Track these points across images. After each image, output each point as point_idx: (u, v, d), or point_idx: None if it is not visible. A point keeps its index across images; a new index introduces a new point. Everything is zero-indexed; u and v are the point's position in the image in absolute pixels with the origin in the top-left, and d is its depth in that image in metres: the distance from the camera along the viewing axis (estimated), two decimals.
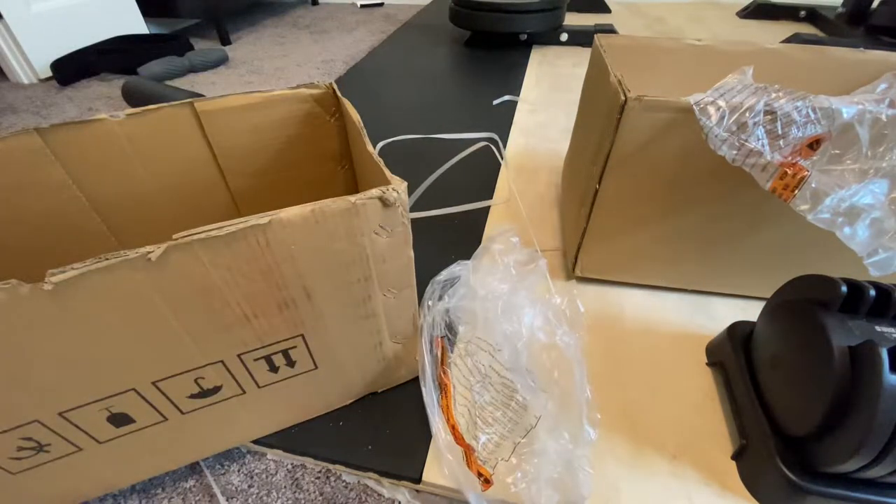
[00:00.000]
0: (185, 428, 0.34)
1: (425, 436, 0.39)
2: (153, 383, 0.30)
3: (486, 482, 0.35)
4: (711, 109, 0.35)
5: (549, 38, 1.28)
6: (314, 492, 0.38)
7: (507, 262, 0.47)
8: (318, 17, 1.73)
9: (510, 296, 0.42)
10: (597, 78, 0.48)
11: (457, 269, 0.47)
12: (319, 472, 0.40)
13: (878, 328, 0.31)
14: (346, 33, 1.53)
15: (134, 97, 1.01)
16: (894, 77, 0.44)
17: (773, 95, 0.35)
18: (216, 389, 0.33)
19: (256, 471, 0.40)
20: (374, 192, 0.28)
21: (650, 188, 0.43)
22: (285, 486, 0.38)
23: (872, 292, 0.31)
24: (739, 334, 0.42)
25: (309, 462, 0.40)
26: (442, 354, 0.42)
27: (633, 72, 0.43)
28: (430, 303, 0.44)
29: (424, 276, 0.43)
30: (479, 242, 0.59)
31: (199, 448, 0.38)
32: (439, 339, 0.43)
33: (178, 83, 1.16)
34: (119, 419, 0.31)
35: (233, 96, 0.40)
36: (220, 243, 0.25)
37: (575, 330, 0.40)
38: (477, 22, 1.22)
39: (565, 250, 0.57)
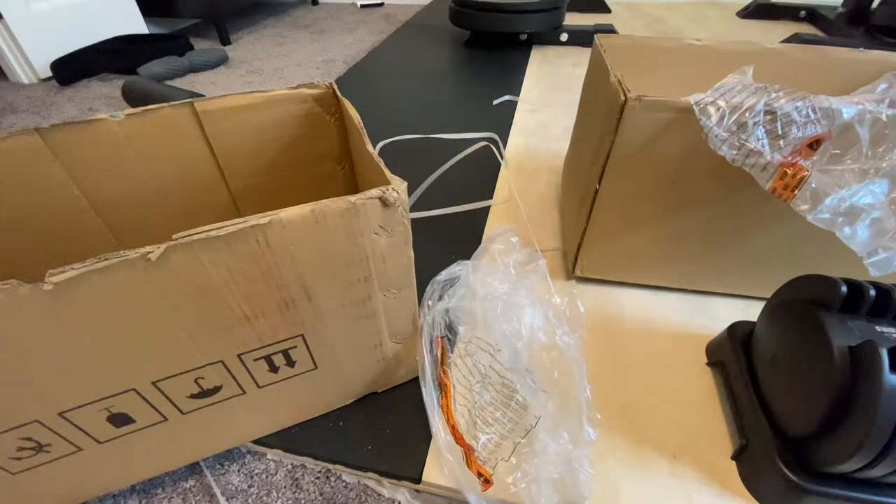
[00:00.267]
0: (185, 428, 0.34)
1: (425, 436, 0.39)
2: (153, 383, 0.30)
3: (486, 482, 0.35)
4: (711, 109, 0.35)
5: (549, 38, 1.28)
6: (314, 492, 0.38)
7: (507, 262, 0.47)
8: (318, 17, 1.73)
9: (510, 296, 0.42)
10: (597, 78, 0.48)
11: (457, 269, 0.47)
12: (319, 472, 0.40)
13: (878, 328, 0.31)
14: (346, 33, 1.53)
15: (134, 97, 1.01)
16: (894, 77, 0.44)
17: (773, 95, 0.35)
18: (216, 389, 0.33)
19: (256, 471, 0.40)
20: (374, 192, 0.28)
21: (650, 188, 0.43)
22: (285, 486, 0.38)
23: (872, 292, 0.31)
24: (739, 334, 0.42)
25: (309, 462, 0.40)
26: (442, 354, 0.42)
27: (633, 72, 0.43)
28: (430, 303, 0.44)
29: (424, 276, 0.43)
30: (479, 242, 0.59)
31: (199, 448, 0.38)
32: (439, 339, 0.42)
33: (178, 83, 1.16)
34: (119, 419, 0.31)
35: (233, 96, 0.40)
36: (220, 243, 0.25)
37: (575, 330, 0.40)
38: (477, 22, 1.22)
39: (565, 250, 0.57)
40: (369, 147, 0.33)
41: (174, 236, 0.24)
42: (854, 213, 0.32)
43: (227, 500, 0.37)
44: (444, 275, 0.46)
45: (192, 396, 0.32)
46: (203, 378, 0.31)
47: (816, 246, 0.42)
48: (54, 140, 0.35)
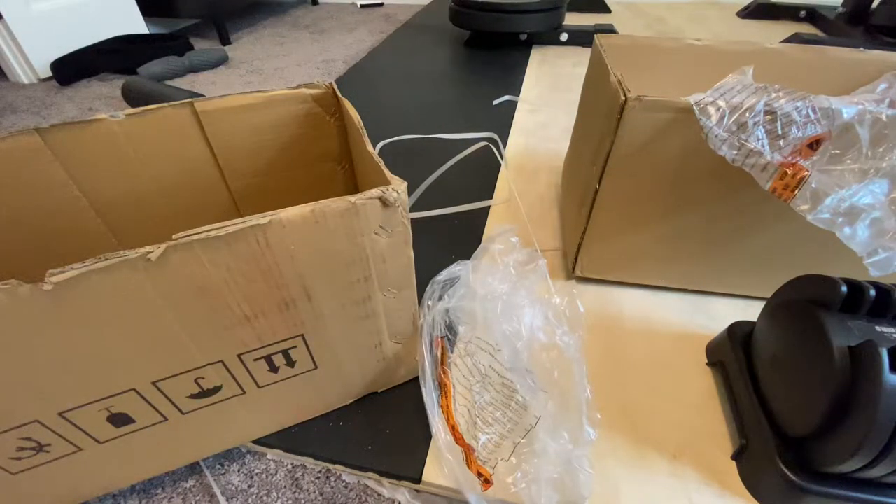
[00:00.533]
0: (185, 428, 0.34)
1: (425, 436, 0.39)
2: (153, 383, 0.30)
3: (486, 482, 0.35)
4: (711, 109, 0.35)
5: (549, 38, 1.27)
6: (314, 492, 0.38)
7: (507, 262, 0.47)
8: (318, 17, 1.73)
9: (510, 296, 0.42)
10: (597, 78, 0.48)
11: (457, 269, 0.47)
12: (319, 472, 0.40)
13: (878, 328, 0.31)
14: (346, 33, 1.53)
15: (134, 97, 1.01)
16: (894, 77, 0.44)
17: (773, 95, 0.35)
18: (216, 389, 0.33)
19: (256, 471, 0.40)
20: (374, 192, 0.28)
21: (650, 188, 0.43)
22: (285, 486, 0.38)
23: (872, 292, 0.31)
24: (739, 334, 0.42)
25: (309, 462, 0.40)
26: (442, 354, 0.42)
27: (633, 72, 0.43)
28: (430, 303, 0.44)
29: (424, 276, 0.43)
30: (479, 242, 0.59)
31: (199, 448, 0.38)
32: (439, 339, 0.42)
33: (178, 83, 1.16)
34: (119, 419, 0.31)
35: (233, 96, 0.40)
36: (220, 243, 0.25)
37: (575, 330, 0.40)
38: (477, 22, 1.22)
39: (565, 250, 0.57)
40: (369, 147, 0.33)
41: (174, 236, 0.24)
42: (854, 213, 0.32)
43: (227, 500, 0.37)
44: (444, 275, 0.46)
45: (192, 396, 0.32)
46: (203, 378, 0.31)
47: (816, 246, 0.42)
48: (54, 140, 0.35)
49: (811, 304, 0.33)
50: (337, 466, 0.39)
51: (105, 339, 0.26)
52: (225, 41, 1.44)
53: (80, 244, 0.40)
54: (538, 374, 0.38)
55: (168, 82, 1.13)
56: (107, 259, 0.23)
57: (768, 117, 0.34)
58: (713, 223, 0.44)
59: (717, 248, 0.46)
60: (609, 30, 1.26)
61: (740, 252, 0.46)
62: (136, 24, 1.37)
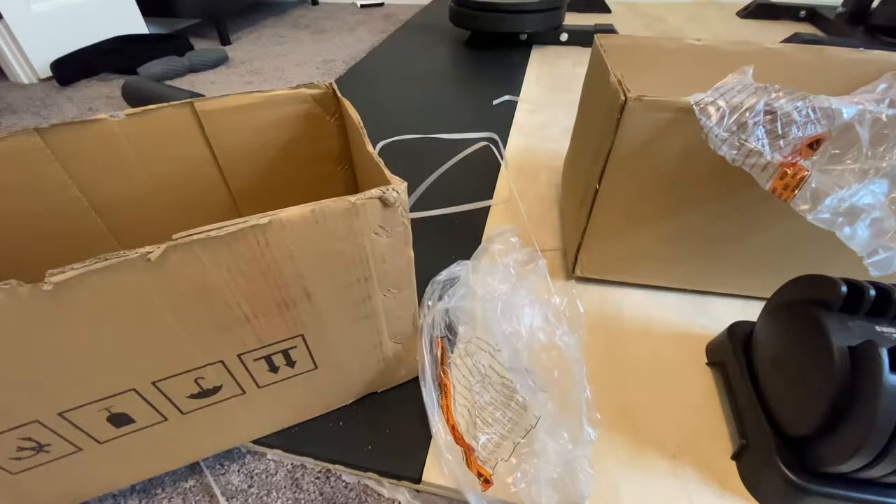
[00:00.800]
0: (185, 428, 0.34)
1: (425, 436, 0.39)
2: (153, 383, 0.30)
3: (486, 482, 0.35)
4: (711, 109, 0.35)
5: (549, 38, 1.28)
6: (314, 492, 0.38)
7: (507, 262, 0.47)
8: (318, 17, 1.73)
9: (510, 296, 0.42)
10: (597, 78, 0.48)
11: (457, 269, 0.47)
12: (319, 472, 0.40)
13: (878, 328, 0.31)
14: (346, 33, 1.53)
15: (134, 97, 1.01)
16: (894, 77, 0.44)
17: (773, 95, 0.35)
18: (216, 389, 0.33)
19: (256, 471, 0.40)
20: (374, 192, 0.28)
21: (650, 188, 0.43)
22: (285, 486, 0.38)
23: (872, 292, 0.31)
24: (739, 334, 0.42)
25: (309, 462, 0.40)
26: (442, 354, 0.42)
27: (633, 72, 0.43)
28: (430, 303, 0.44)
29: (424, 276, 0.43)
30: (479, 242, 0.59)
31: (199, 448, 0.38)
32: (439, 340, 0.43)
33: (178, 83, 1.16)
34: (119, 419, 0.31)
35: (233, 96, 0.40)
36: (220, 243, 0.25)
37: (575, 330, 0.40)
38: (477, 22, 1.22)
39: (565, 250, 0.57)
40: (369, 147, 0.33)
41: (174, 236, 0.24)
42: (854, 213, 0.32)
43: (227, 500, 0.37)
44: (444, 275, 0.46)
45: (192, 396, 0.32)
46: (203, 378, 0.31)
47: (816, 246, 0.42)
48: (54, 140, 0.35)
49: (811, 304, 0.33)
50: (337, 466, 0.39)
51: (105, 339, 0.26)
52: (225, 41, 1.44)
53: (80, 244, 0.40)
54: (538, 374, 0.38)
55: (168, 82, 1.13)
56: (107, 259, 0.23)
57: (768, 117, 0.34)
58: (713, 223, 0.44)
59: (717, 248, 0.46)
60: (609, 30, 1.26)
61: (740, 252, 0.46)
62: (136, 24, 1.37)
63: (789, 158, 0.34)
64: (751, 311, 0.43)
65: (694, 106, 0.36)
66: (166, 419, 0.33)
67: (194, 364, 0.30)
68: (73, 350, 0.26)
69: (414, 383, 0.42)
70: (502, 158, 0.77)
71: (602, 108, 0.43)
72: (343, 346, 0.36)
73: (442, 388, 0.40)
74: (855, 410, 0.28)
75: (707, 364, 0.45)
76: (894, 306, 0.31)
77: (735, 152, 0.35)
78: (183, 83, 1.16)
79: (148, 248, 0.24)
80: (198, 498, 0.38)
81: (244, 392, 0.34)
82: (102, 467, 0.34)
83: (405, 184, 0.29)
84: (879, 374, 0.27)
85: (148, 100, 0.93)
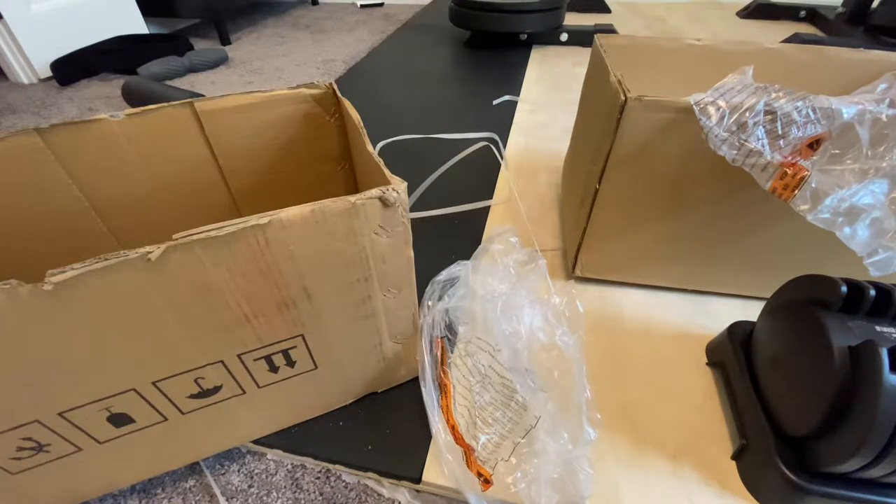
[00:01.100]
0: (185, 428, 0.34)
1: (425, 436, 0.39)
2: (153, 383, 0.30)
3: (486, 482, 0.35)
4: (711, 109, 0.35)
5: (549, 38, 1.27)
6: (314, 492, 0.38)
7: (507, 262, 0.47)
8: (318, 17, 1.73)
9: (510, 296, 0.42)
10: (597, 78, 0.48)
11: (456, 269, 0.47)
12: (319, 472, 0.40)
13: (878, 328, 0.31)
14: (346, 33, 1.53)
15: (134, 97, 1.01)
16: (894, 77, 0.44)
17: (773, 95, 0.35)
18: (216, 389, 0.33)
19: (256, 471, 0.40)
20: (374, 192, 0.28)
21: (650, 188, 0.43)
22: (285, 486, 0.38)
23: (872, 292, 0.31)
24: (739, 334, 0.42)
25: (309, 462, 0.40)
26: (442, 355, 0.42)
27: (633, 72, 0.43)
28: (429, 303, 0.44)
29: (424, 276, 0.43)
30: (479, 242, 0.59)
31: (199, 448, 0.38)
32: (439, 340, 0.43)
33: (178, 83, 1.16)
34: (119, 419, 0.31)
35: (233, 96, 0.40)
36: (220, 243, 0.25)
37: (574, 330, 0.40)
38: (477, 22, 1.22)
39: (565, 250, 0.57)
40: (369, 147, 0.33)
41: (174, 236, 0.24)
42: (854, 213, 0.32)
43: (227, 500, 0.37)
44: (444, 275, 0.46)
45: (192, 396, 0.32)
46: (203, 378, 0.31)
47: (816, 246, 0.42)
48: (54, 140, 0.35)
49: (811, 304, 0.33)
50: (337, 466, 0.39)
51: (105, 339, 0.26)
52: (225, 41, 1.44)
53: (80, 244, 0.40)
54: (538, 374, 0.38)
55: (168, 82, 1.13)
56: (107, 259, 0.23)
57: (768, 117, 0.34)
58: (713, 223, 0.44)
59: (718, 248, 0.46)
60: (609, 30, 1.26)
61: (740, 252, 0.46)
62: (136, 24, 1.37)
63: (789, 158, 0.34)
64: (751, 311, 0.43)
65: (694, 106, 0.36)
66: (166, 419, 0.33)
67: (194, 364, 0.30)
68: (73, 350, 0.26)
69: (414, 383, 0.42)
70: (502, 158, 0.77)
71: (602, 108, 0.43)
72: (343, 346, 0.36)
73: (442, 388, 0.40)
74: (855, 410, 0.28)
75: (707, 364, 0.45)
76: (894, 306, 0.31)
77: (735, 152, 0.35)
78: (183, 83, 1.16)
79: (148, 248, 0.24)
80: (198, 498, 0.38)
81: (244, 392, 0.34)
82: (102, 467, 0.34)
83: (405, 184, 0.29)
84: (879, 374, 0.27)
85: (148, 100, 0.93)
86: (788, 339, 0.35)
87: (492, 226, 0.63)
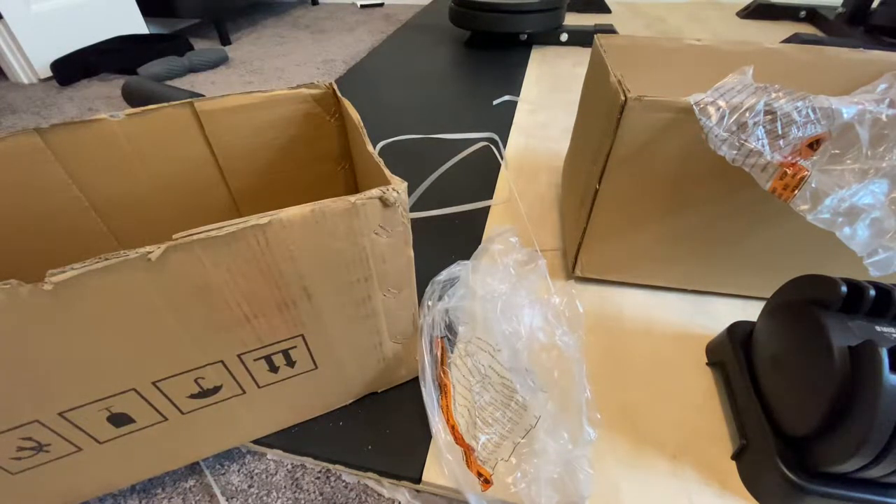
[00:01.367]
0: (185, 428, 0.34)
1: (425, 436, 0.39)
2: (153, 383, 0.30)
3: (486, 482, 0.35)
4: (711, 109, 0.35)
5: (549, 38, 1.27)
6: (314, 492, 0.38)
7: (507, 262, 0.47)
8: (318, 17, 1.73)
9: (510, 296, 0.42)
10: (597, 78, 0.48)
11: (456, 269, 0.47)
12: (319, 472, 0.40)
13: (878, 328, 0.31)
14: (346, 33, 1.53)
15: (134, 97, 1.01)
16: (894, 77, 0.44)
17: (773, 95, 0.35)
18: (216, 389, 0.33)
19: (256, 471, 0.40)
20: (374, 192, 0.28)
21: (650, 188, 0.43)
22: (285, 486, 0.38)
23: (872, 292, 0.31)
24: (739, 334, 0.42)
25: (309, 462, 0.40)
26: (442, 355, 0.42)
27: (633, 72, 0.43)
28: (429, 303, 0.44)
29: (424, 276, 0.43)
30: (479, 242, 0.59)
31: (199, 448, 0.38)
32: (439, 340, 0.43)
33: (178, 83, 1.16)
34: (119, 419, 0.31)
35: (233, 96, 0.40)
36: (220, 243, 0.25)
37: (574, 330, 0.40)
38: (477, 22, 1.22)
39: (565, 250, 0.57)
40: (369, 147, 0.33)
41: (174, 236, 0.24)
42: (854, 213, 0.32)
43: (227, 500, 0.37)
44: (444, 275, 0.46)
45: (192, 396, 0.32)
46: (203, 378, 0.31)
47: (816, 246, 0.42)
48: (54, 140, 0.35)
49: (811, 304, 0.33)
50: (337, 466, 0.39)
51: (105, 339, 0.26)
52: (225, 41, 1.44)
53: (80, 244, 0.40)
54: (538, 374, 0.38)
55: (168, 82, 1.13)
56: (107, 259, 0.23)
57: (768, 117, 0.34)
58: (713, 223, 0.44)
59: (717, 248, 0.46)
60: (609, 30, 1.26)
61: (740, 252, 0.46)
62: (136, 24, 1.37)
63: (789, 158, 0.34)
64: (751, 311, 0.43)
65: (694, 106, 0.36)
66: (166, 419, 0.33)
67: (194, 364, 0.30)
68: (74, 350, 0.26)
69: (414, 383, 0.42)
70: (502, 158, 0.77)
71: (602, 108, 0.43)
72: (343, 346, 0.36)
73: (442, 388, 0.40)
74: (855, 410, 0.28)
75: (707, 364, 0.45)
76: (894, 306, 0.31)
77: (735, 152, 0.35)
78: (183, 83, 1.16)
79: (148, 248, 0.24)
80: (198, 498, 0.38)
81: (244, 392, 0.34)
82: (102, 467, 0.34)
83: (405, 184, 0.29)
84: (879, 374, 0.27)
85: (148, 100, 0.93)
86: (788, 339, 0.35)
87: (492, 226, 0.63)
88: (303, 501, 0.37)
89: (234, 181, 0.45)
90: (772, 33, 1.33)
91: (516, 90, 1.02)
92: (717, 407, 0.41)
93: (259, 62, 1.30)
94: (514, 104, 0.96)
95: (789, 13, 1.43)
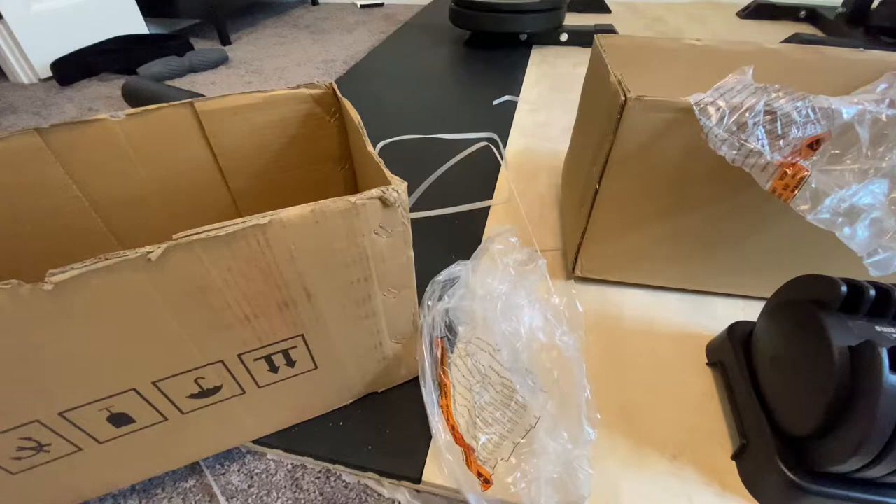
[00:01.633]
0: (185, 428, 0.34)
1: (425, 436, 0.39)
2: (153, 383, 0.30)
3: (486, 482, 0.35)
4: (711, 109, 0.35)
5: (549, 38, 1.27)
6: (314, 492, 0.38)
7: (507, 263, 0.47)
8: (318, 17, 1.73)
9: (509, 296, 0.42)
10: (597, 78, 0.48)
11: (457, 269, 0.47)
12: (319, 472, 0.40)
13: (878, 328, 0.31)
14: (346, 33, 1.53)
15: (134, 97, 1.01)
16: (894, 77, 0.44)
17: (773, 95, 0.35)
18: (216, 389, 0.33)
19: (256, 471, 0.40)
20: (374, 192, 0.28)
21: (650, 188, 0.43)
22: (285, 486, 0.38)
23: (872, 292, 0.31)
24: (739, 334, 0.42)
25: (309, 462, 0.40)
26: (442, 354, 0.42)
27: (633, 72, 0.43)
28: (429, 303, 0.44)
29: (424, 276, 0.43)
30: (479, 242, 0.59)
31: (199, 448, 0.38)
32: (439, 340, 0.42)
33: (178, 83, 1.16)
34: (119, 419, 0.31)
35: (233, 96, 0.40)
36: (220, 243, 0.25)
37: (574, 330, 0.40)
38: (477, 22, 1.22)
39: (565, 250, 0.57)
40: (369, 147, 0.33)
41: (174, 236, 0.24)
42: (854, 213, 0.32)
43: (227, 500, 0.37)
44: (444, 275, 0.46)
45: (192, 396, 0.32)
46: (203, 378, 0.31)
47: (816, 246, 0.42)
48: (54, 140, 0.35)
49: (811, 304, 0.33)
50: (337, 466, 0.39)
51: (105, 339, 0.26)
52: (225, 41, 1.44)
53: (80, 244, 0.40)
54: (538, 374, 0.38)
55: (168, 82, 1.13)
56: (107, 259, 0.23)
57: (768, 117, 0.34)
58: (713, 223, 0.44)
59: (717, 248, 0.46)
60: (609, 30, 1.26)
61: (740, 252, 0.46)
62: (136, 24, 1.37)
63: (789, 158, 0.34)
64: (751, 311, 0.43)
65: (694, 106, 0.36)
66: (166, 419, 0.33)
67: (194, 364, 0.30)
68: (73, 350, 0.26)
69: (414, 383, 0.42)
70: (502, 158, 0.77)
71: (602, 108, 0.43)
72: (343, 346, 0.36)
73: (442, 388, 0.40)
74: (855, 410, 0.28)
75: (707, 364, 0.45)
76: (894, 306, 0.31)
77: (735, 152, 0.35)
78: (183, 83, 1.16)
79: (148, 248, 0.24)
80: (198, 498, 0.38)
81: (244, 392, 0.34)
82: (102, 467, 0.34)
83: (405, 184, 0.29)
84: (879, 374, 0.27)
85: (148, 100, 0.93)
86: (788, 339, 0.35)
87: (492, 226, 0.63)
88: (303, 501, 0.37)
89: (234, 181, 0.45)
90: (772, 33, 1.33)
91: (516, 90, 1.02)
92: (716, 407, 0.41)
93: (259, 62, 1.30)
94: (514, 104, 0.96)
95: (789, 13, 1.43)
